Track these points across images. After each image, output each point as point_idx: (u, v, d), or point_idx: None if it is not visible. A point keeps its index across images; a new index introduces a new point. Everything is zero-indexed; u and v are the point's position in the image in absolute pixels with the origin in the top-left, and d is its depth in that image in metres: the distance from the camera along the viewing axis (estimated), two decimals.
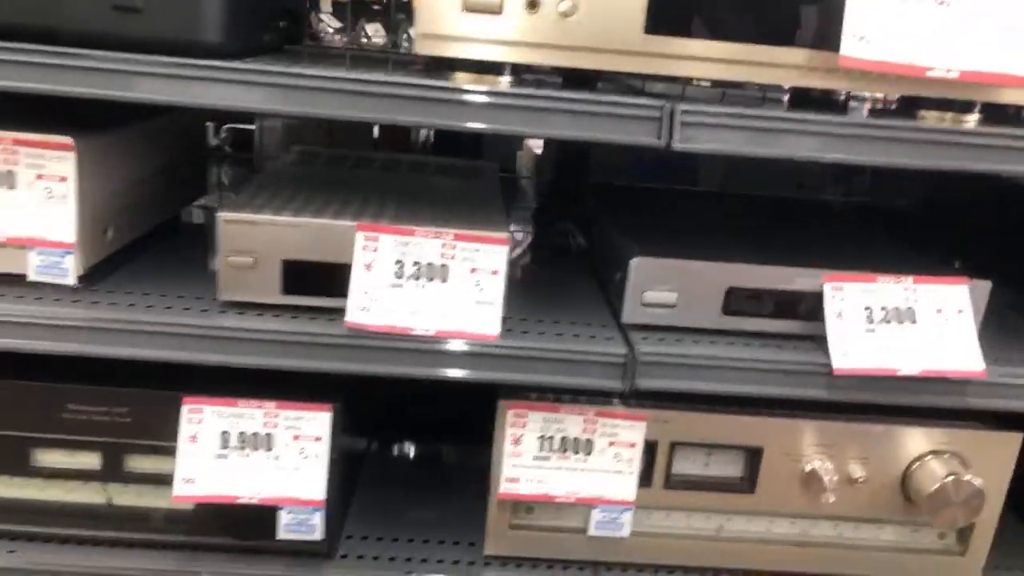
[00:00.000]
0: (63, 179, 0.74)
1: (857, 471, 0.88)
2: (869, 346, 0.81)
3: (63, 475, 0.85)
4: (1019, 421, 0.88)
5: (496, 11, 0.70)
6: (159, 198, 0.96)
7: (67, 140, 0.73)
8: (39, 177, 0.74)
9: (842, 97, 1.00)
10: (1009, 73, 0.71)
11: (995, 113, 0.79)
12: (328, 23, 1.52)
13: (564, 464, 0.86)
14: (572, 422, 0.85)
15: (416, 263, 0.77)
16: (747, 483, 0.89)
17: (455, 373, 0.78)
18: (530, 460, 0.85)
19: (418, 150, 1.57)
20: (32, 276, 0.77)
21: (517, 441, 0.85)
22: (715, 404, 0.87)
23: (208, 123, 1.62)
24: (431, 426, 1.17)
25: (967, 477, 0.85)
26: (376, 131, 1.54)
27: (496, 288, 0.78)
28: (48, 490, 0.86)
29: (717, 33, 0.71)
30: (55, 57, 0.68)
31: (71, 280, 0.77)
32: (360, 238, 0.76)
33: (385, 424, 1.17)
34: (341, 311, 0.77)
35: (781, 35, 0.71)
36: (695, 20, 0.71)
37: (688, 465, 0.89)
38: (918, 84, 0.73)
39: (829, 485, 0.86)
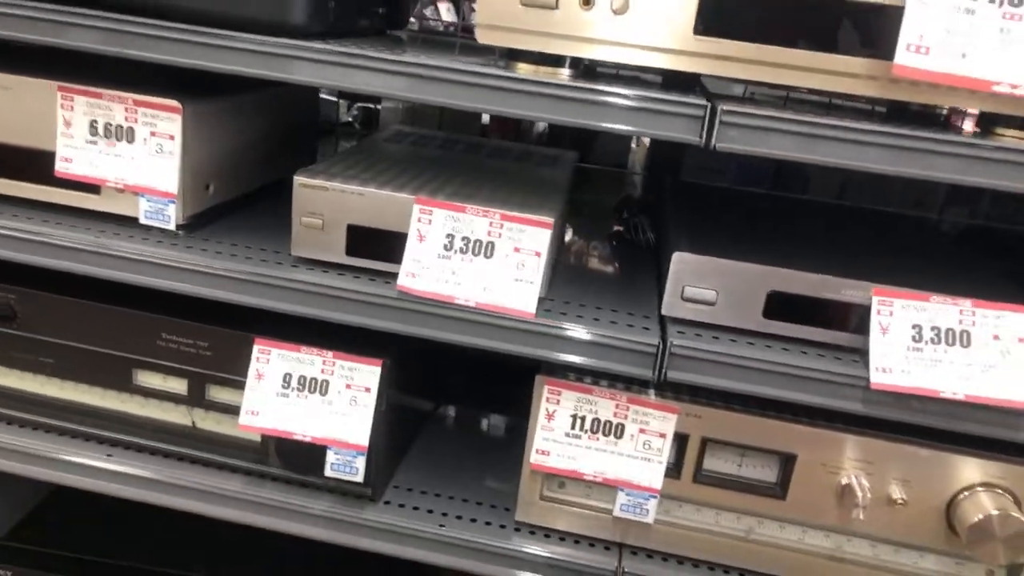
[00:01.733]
0: (171, 137, 0.85)
1: (897, 493, 0.86)
2: (913, 365, 0.79)
3: (156, 395, 0.98)
4: None
5: (552, 6, 0.74)
6: (264, 162, 1.07)
7: (176, 103, 0.84)
8: (152, 134, 0.86)
9: (944, 112, 0.97)
10: None
11: None
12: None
13: (594, 444, 0.89)
14: (604, 405, 0.88)
15: (465, 238, 0.83)
16: (779, 488, 0.89)
17: (491, 344, 0.84)
18: (561, 436, 0.89)
19: (531, 140, 1.63)
20: (142, 219, 0.89)
21: (550, 416, 0.89)
22: (750, 407, 0.87)
23: (337, 99, 1.76)
24: (492, 396, 1.24)
25: (1015, 514, 0.82)
26: (486, 118, 1.61)
27: (537, 268, 0.82)
28: (145, 408, 0.99)
29: (766, 37, 0.71)
30: (162, 30, 0.79)
31: (172, 226, 0.89)
32: (416, 210, 0.83)
33: (448, 391, 1.25)
34: (395, 275, 0.84)
35: (831, 41, 0.71)
36: (745, 23, 0.72)
37: (719, 463, 0.90)
38: (982, 99, 0.71)
39: (862, 501, 0.85)
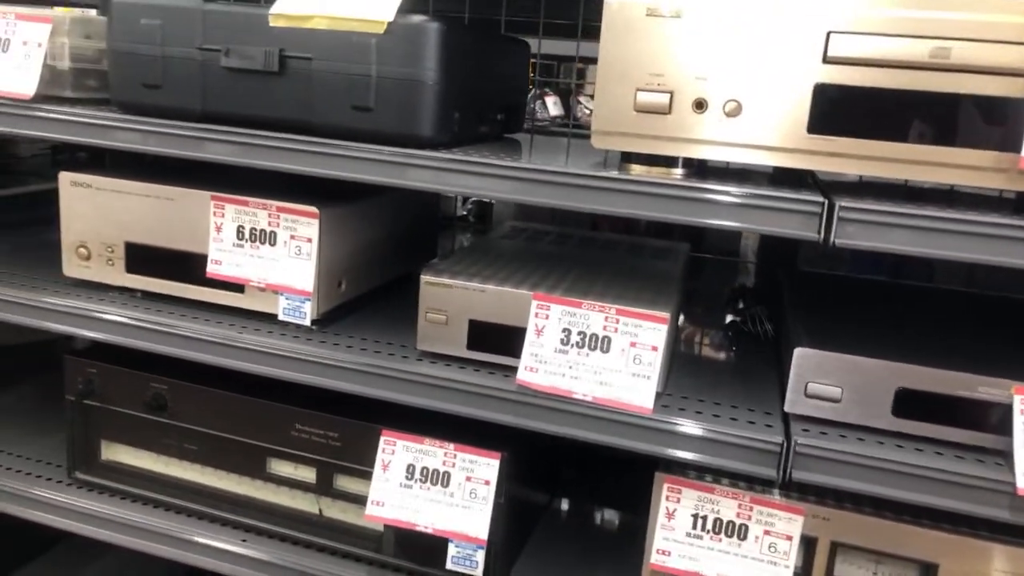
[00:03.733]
0: (309, 240, 0.92)
1: None
2: None
3: (287, 483, 1.03)
4: None
5: (665, 111, 0.77)
6: (390, 259, 1.13)
7: (314, 209, 0.91)
8: (292, 237, 0.93)
9: None
10: None
11: None
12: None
13: (716, 546, 0.87)
14: (726, 504, 0.86)
15: (581, 332, 0.85)
16: None
17: (609, 439, 0.84)
18: (682, 535, 0.88)
19: (641, 231, 1.65)
20: (280, 316, 0.96)
21: (671, 515, 0.88)
22: (886, 510, 0.83)
23: (454, 195, 1.84)
24: (607, 490, 1.22)
25: None
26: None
27: (653, 363, 0.83)
28: (277, 495, 1.04)
29: (880, 133, 0.72)
30: (309, 145, 0.87)
31: (307, 321, 0.95)
32: (534, 306, 0.86)
33: (564, 483, 1.24)
34: (515, 369, 0.86)
35: (944, 135, 0.70)
36: (859, 120, 0.72)
37: (852, 570, 0.85)
38: None
39: None
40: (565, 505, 1.21)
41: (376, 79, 0.83)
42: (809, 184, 0.85)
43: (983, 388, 0.78)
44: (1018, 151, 0.68)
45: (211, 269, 0.97)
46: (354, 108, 0.84)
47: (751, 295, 1.22)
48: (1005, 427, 0.76)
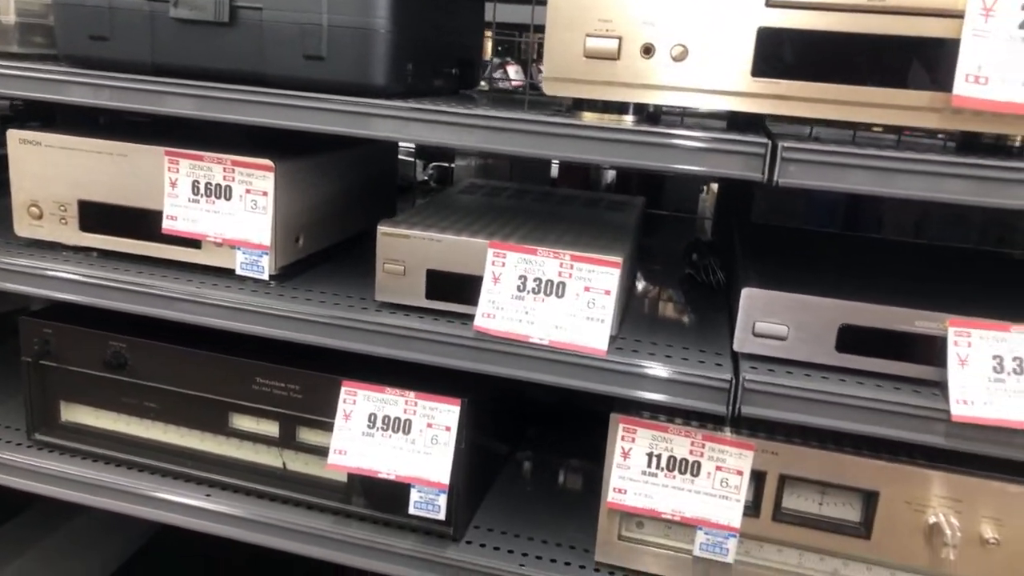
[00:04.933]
0: (265, 194, 0.92)
1: (989, 532, 0.83)
2: (995, 396, 0.77)
3: (250, 437, 1.03)
4: None
5: (614, 57, 0.78)
6: (348, 216, 1.14)
7: (269, 163, 0.92)
8: (247, 191, 0.93)
9: (1017, 143, 0.96)
10: None
11: None
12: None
13: (670, 483, 0.90)
14: (680, 443, 0.89)
15: (537, 279, 0.86)
16: (863, 528, 0.87)
17: (564, 381, 0.86)
18: (637, 474, 0.90)
19: (600, 191, 1.67)
20: (238, 271, 0.96)
21: (626, 455, 0.90)
22: (831, 443, 0.87)
23: (414, 159, 1.85)
24: (570, 443, 1.25)
25: None
26: (555, 171, 1.66)
27: (607, 306, 0.85)
28: (240, 450, 1.05)
29: (822, 75, 0.74)
30: (269, 96, 0.87)
31: (265, 276, 0.95)
32: (490, 254, 0.87)
33: (528, 437, 1.27)
34: (473, 317, 0.87)
35: (884, 76, 0.73)
36: (800, 63, 0.74)
37: (800, 502, 0.89)
38: None
39: (952, 540, 0.82)
40: (530, 455, 1.24)
41: (328, 28, 0.83)
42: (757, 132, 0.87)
43: (920, 322, 0.81)
44: (950, 90, 0.70)
45: (167, 225, 0.97)
46: (306, 58, 0.84)
47: (706, 248, 1.24)
48: (940, 359, 0.80)
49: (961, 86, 0.69)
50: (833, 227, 1.49)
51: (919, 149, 0.75)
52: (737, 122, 0.99)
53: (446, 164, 1.84)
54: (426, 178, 1.89)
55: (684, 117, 1.11)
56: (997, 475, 0.83)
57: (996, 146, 0.90)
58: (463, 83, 1.10)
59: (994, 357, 0.78)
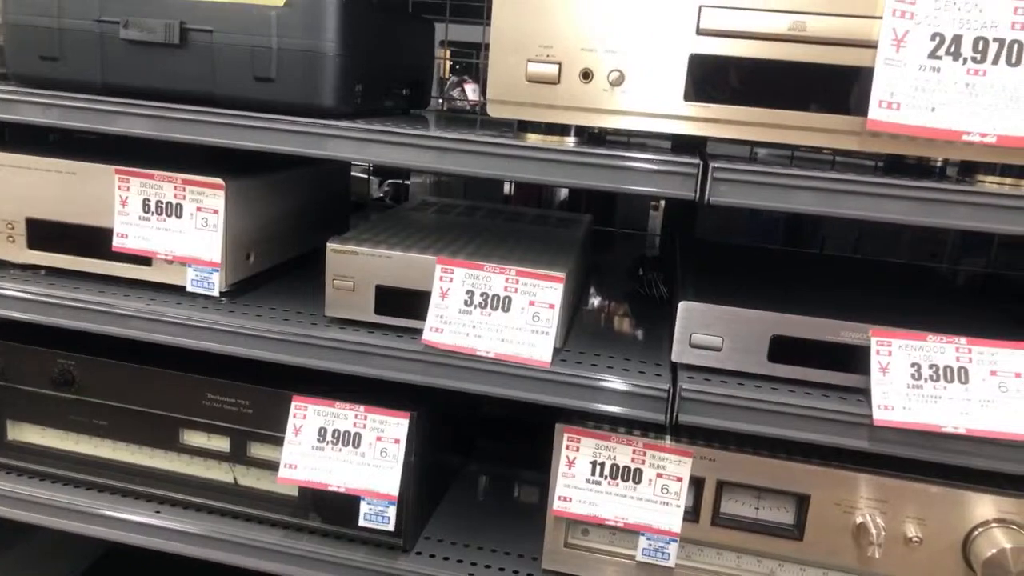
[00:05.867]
0: (215, 212, 0.94)
1: (912, 531, 0.88)
2: (914, 402, 0.82)
3: (201, 453, 1.04)
4: None
5: (554, 81, 0.82)
6: (300, 233, 1.16)
7: (220, 181, 0.93)
8: (198, 209, 0.94)
9: (938, 163, 1.02)
10: None
11: None
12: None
13: (614, 490, 0.93)
14: (622, 451, 0.92)
15: (484, 294, 0.89)
16: (796, 530, 0.91)
17: (509, 392, 0.89)
18: (582, 482, 0.93)
19: (554, 207, 1.71)
20: (188, 287, 0.97)
21: (571, 463, 0.93)
22: (766, 449, 0.91)
23: (368, 176, 1.87)
24: (520, 456, 1.28)
25: None
26: (508, 189, 1.70)
27: (551, 319, 0.88)
28: (190, 466, 1.05)
29: (749, 100, 0.78)
30: (222, 117, 0.88)
31: (216, 292, 0.97)
32: (438, 270, 0.90)
33: (478, 450, 1.29)
34: (421, 331, 0.90)
35: (808, 102, 0.78)
36: (729, 88, 0.79)
37: (737, 506, 0.93)
38: (954, 148, 0.76)
39: (877, 539, 0.87)
40: (481, 467, 1.26)
41: (277, 51, 0.85)
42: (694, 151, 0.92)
43: (845, 332, 0.86)
44: (866, 114, 0.75)
45: (117, 243, 0.98)
46: (256, 79, 0.86)
47: (651, 263, 1.28)
48: (864, 367, 0.84)
49: (875, 111, 0.74)
50: (776, 243, 1.55)
51: (847, 171, 0.80)
52: (681, 145, 1.03)
53: (401, 181, 1.86)
54: (381, 195, 1.91)
55: (630, 139, 1.15)
56: (919, 477, 0.88)
57: (920, 167, 0.96)
58: (414, 103, 1.13)
59: (912, 365, 0.83)
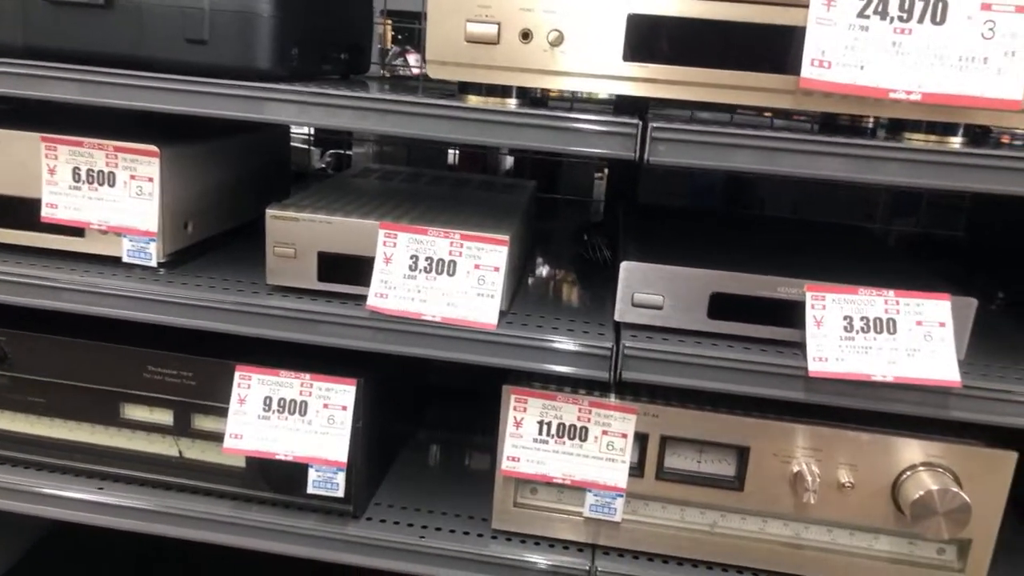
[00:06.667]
0: (150, 180, 0.92)
1: (845, 477, 0.92)
2: (846, 353, 0.85)
3: (144, 427, 1.02)
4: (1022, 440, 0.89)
5: (494, 41, 0.82)
6: (239, 202, 1.13)
7: (154, 148, 0.91)
8: (132, 177, 0.92)
9: (869, 122, 1.04)
10: (970, 95, 0.75)
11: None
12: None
13: (561, 448, 0.95)
14: (568, 410, 0.94)
15: (428, 258, 0.89)
16: (737, 481, 0.94)
17: (456, 356, 0.89)
18: (530, 442, 0.95)
19: (500, 175, 1.71)
20: (124, 258, 0.95)
21: (518, 424, 0.95)
22: (707, 404, 0.93)
23: (310, 146, 1.84)
24: (470, 421, 1.29)
25: (954, 489, 0.87)
26: (454, 157, 1.69)
27: (496, 283, 0.88)
28: (133, 440, 1.03)
29: (685, 60, 0.79)
30: (158, 81, 0.86)
31: (153, 263, 0.94)
32: (381, 235, 0.89)
33: (428, 416, 1.30)
34: (366, 297, 0.89)
35: (743, 61, 0.79)
36: (666, 49, 0.80)
37: (680, 460, 0.95)
38: (883, 106, 0.79)
39: (812, 486, 0.90)
40: (431, 433, 1.27)
41: (209, 11, 0.83)
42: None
43: (781, 288, 0.88)
44: (798, 73, 0.77)
45: (46, 213, 0.94)
46: (188, 41, 0.84)
47: (595, 229, 1.30)
48: (800, 321, 0.87)
49: (807, 70, 0.76)
50: (716, 205, 1.58)
51: (782, 129, 0.82)
52: (623, 106, 1.04)
53: (343, 151, 1.83)
54: (323, 166, 1.88)
55: (574, 104, 1.16)
56: (851, 425, 0.91)
57: (853, 127, 0.99)
58: (353, 68, 1.11)
59: (845, 318, 0.86)
